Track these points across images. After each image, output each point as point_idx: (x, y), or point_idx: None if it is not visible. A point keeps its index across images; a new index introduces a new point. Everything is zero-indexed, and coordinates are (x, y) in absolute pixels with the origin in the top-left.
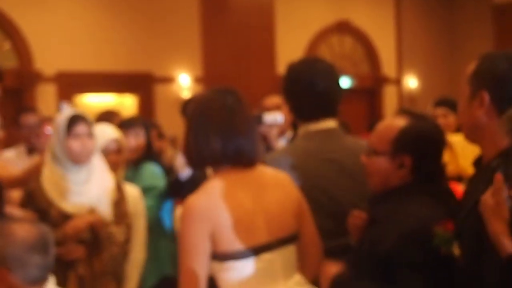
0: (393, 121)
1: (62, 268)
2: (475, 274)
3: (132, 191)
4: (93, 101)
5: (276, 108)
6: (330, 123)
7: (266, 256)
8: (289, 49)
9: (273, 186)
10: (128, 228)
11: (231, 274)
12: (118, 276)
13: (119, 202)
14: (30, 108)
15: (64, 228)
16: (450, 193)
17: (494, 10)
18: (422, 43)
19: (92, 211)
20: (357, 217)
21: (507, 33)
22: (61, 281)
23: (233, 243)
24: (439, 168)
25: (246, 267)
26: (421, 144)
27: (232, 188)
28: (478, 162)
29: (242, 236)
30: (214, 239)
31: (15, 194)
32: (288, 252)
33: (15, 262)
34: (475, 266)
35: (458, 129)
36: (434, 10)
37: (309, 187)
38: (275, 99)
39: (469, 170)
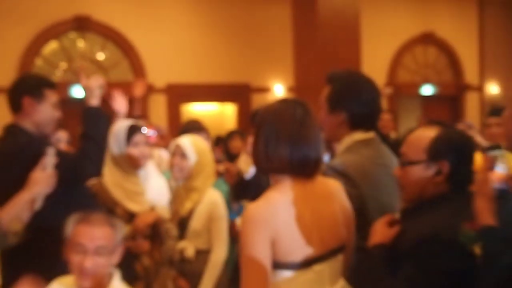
0: (424, 131)
1: (129, 261)
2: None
3: (212, 194)
4: (198, 110)
5: None
6: (372, 133)
7: (317, 267)
8: (375, 60)
9: (329, 198)
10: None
11: (281, 283)
12: (173, 265)
13: (175, 202)
14: (141, 116)
15: (134, 224)
16: None
17: None
18: (504, 51)
19: (152, 209)
20: (389, 221)
21: None
22: (129, 273)
23: (289, 255)
24: (472, 174)
25: (297, 277)
26: (456, 149)
27: (293, 200)
28: None
29: (298, 248)
30: (272, 247)
31: None
32: (337, 261)
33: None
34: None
35: None
36: None
37: (373, 188)
38: None
39: None
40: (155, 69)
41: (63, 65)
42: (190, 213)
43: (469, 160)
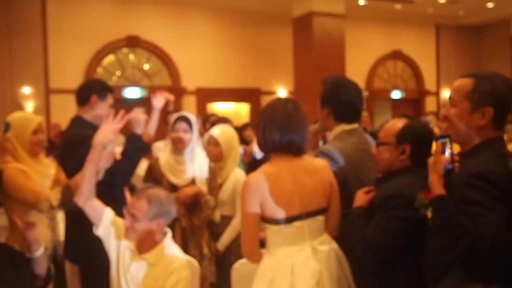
0: (396, 121)
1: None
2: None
3: (237, 173)
4: (220, 108)
5: None
6: (356, 124)
7: (297, 223)
8: (356, 71)
9: (312, 172)
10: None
11: (269, 234)
12: (210, 228)
13: (212, 179)
14: (175, 110)
15: (177, 194)
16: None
17: (511, 39)
18: (456, 66)
19: (192, 183)
20: (367, 191)
21: None
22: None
23: (274, 213)
24: (429, 156)
25: (281, 229)
26: (417, 136)
27: (279, 171)
28: (462, 154)
29: (280, 208)
30: (261, 206)
31: (143, 165)
32: (316, 221)
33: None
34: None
35: None
36: (465, 40)
37: (354, 167)
38: None
39: None
40: (188, 76)
41: (118, 73)
42: (220, 187)
43: (427, 144)
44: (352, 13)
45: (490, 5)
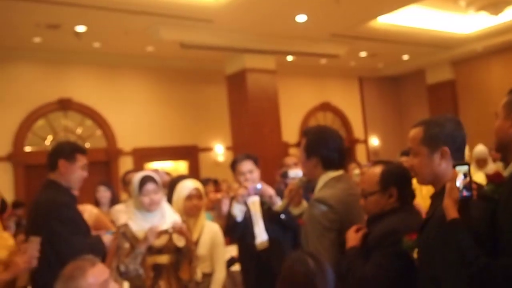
0: (373, 169)
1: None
2: (427, 271)
3: (212, 226)
4: (157, 167)
5: (294, 165)
6: (342, 171)
7: None
8: (290, 124)
9: None
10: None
11: None
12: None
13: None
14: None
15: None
16: (418, 211)
17: (428, 88)
18: (380, 114)
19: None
20: (356, 229)
21: (438, 103)
22: None
23: None
24: (413, 194)
25: None
26: (399, 177)
27: None
28: (433, 196)
29: None
30: None
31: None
32: None
33: None
34: (428, 263)
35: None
36: (386, 90)
37: (348, 213)
38: (292, 159)
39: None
40: (123, 137)
41: (50, 137)
42: (196, 242)
43: (410, 182)
44: (282, 68)
45: (405, 57)
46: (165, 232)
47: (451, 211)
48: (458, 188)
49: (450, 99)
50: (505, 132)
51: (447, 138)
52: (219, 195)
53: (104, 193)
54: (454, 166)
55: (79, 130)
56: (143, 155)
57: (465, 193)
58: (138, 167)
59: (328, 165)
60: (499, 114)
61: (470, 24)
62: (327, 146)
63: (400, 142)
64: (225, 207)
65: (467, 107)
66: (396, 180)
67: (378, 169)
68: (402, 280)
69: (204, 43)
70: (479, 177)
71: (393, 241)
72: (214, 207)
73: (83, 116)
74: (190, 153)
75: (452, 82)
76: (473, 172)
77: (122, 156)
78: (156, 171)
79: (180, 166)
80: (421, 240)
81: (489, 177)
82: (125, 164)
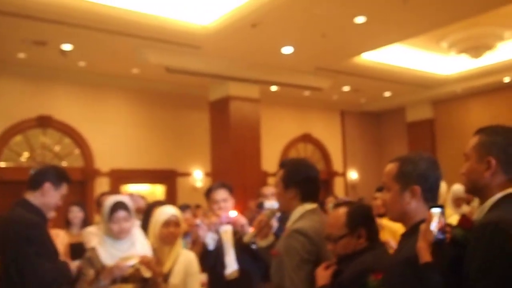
0: (337, 212)
1: None
2: None
3: (187, 254)
4: (134, 190)
5: (272, 195)
6: (316, 204)
7: None
8: (270, 153)
9: None
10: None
11: None
12: None
13: (157, 264)
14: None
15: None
16: (386, 249)
17: (407, 125)
18: (360, 148)
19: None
20: (325, 266)
21: (417, 140)
22: None
23: None
24: (377, 230)
25: None
26: (365, 217)
27: None
28: (403, 234)
29: None
30: None
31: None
32: None
33: None
34: None
35: None
36: (367, 125)
37: (323, 245)
38: (270, 189)
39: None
40: (101, 157)
41: (26, 154)
42: (170, 271)
43: (374, 221)
44: (266, 98)
45: (387, 94)
46: (132, 267)
47: (425, 255)
48: (432, 232)
49: (428, 137)
50: (480, 176)
51: (419, 177)
52: (197, 220)
53: (76, 214)
54: (429, 208)
55: (56, 148)
56: (120, 177)
57: (439, 235)
58: (115, 188)
59: (306, 197)
60: (469, 155)
61: (451, 65)
62: (306, 178)
63: (378, 176)
64: (202, 232)
65: (445, 145)
66: (363, 219)
67: (342, 211)
68: None
69: (189, 68)
70: (455, 219)
71: (366, 280)
72: (191, 231)
73: (62, 134)
74: (168, 177)
75: (431, 120)
76: (450, 213)
77: (98, 177)
78: (131, 195)
79: (157, 190)
80: (385, 279)
81: (459, 222)
82: (102, 185)
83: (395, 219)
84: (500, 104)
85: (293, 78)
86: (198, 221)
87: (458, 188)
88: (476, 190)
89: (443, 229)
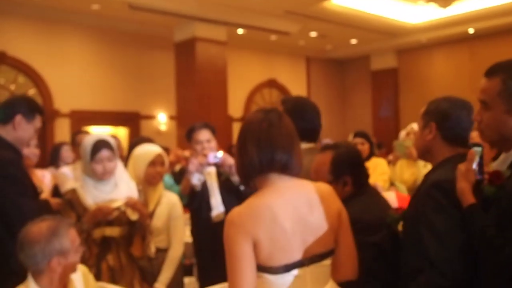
0: (322, 157)
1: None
2: (409, 244)
3: (170, 196)
4: (96, 132)
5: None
6: (314, 143)
7: (297, 272)
8: (236, 97)
9: (315, 203)
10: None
11: (262, 283)
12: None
13: (144, 204)
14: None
15: (97, 208)
16: (377, 192)
17: (372, 74)
18: (325, 94)
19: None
20: None
21: (380, 89)
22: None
23: (268, 260)
24: (367, 173)
25: (277, 280)
26: (351, 164)
27: (274, 207)
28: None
29: (277, 254)
30: (254, 250)
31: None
32: (321, 266)
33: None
34: (411, 239)
35: (369, 156)
36: (332, 72)
37: None
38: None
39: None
40: (61, 97)
41: None
42: (152, 213)
43: (362, 166)
44: (232, 41)
45: (353, 41)
46: (117, 209)
47: (468, 196)
48: (474, 171)
49: (392, 85)
50: (506, 124)
51: (437, 115)
52: (186, 153)
53: (70, 153)
54: (470, 147)
55: (12, 87)
56: (81, 118)
57: (478, 176)
58: (75, 130)
59: (303, 136)
60: (491, 103)
61: (418, 14)
62: (303, 117)
63: (342, 123)
64: (192, 167)
65: (407, 95)
66: (349, 166)
67: (327, 157)
68: (370, 270)
69: (154, 6)
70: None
71: (356, 230)
72: (178, 162)
73: (17, 72)
74: (132, 120)
75: (395, 69)
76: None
77: (58, 118)
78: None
79: (120, 132)
80: (408, 213)
81: (489, 179)
82: (62, 126)
83: (491, 140)
84: (463, 55)
85: (261, 21)
86: (186, 152)
87: None
88: (504, 139)
89: (481, 169)
